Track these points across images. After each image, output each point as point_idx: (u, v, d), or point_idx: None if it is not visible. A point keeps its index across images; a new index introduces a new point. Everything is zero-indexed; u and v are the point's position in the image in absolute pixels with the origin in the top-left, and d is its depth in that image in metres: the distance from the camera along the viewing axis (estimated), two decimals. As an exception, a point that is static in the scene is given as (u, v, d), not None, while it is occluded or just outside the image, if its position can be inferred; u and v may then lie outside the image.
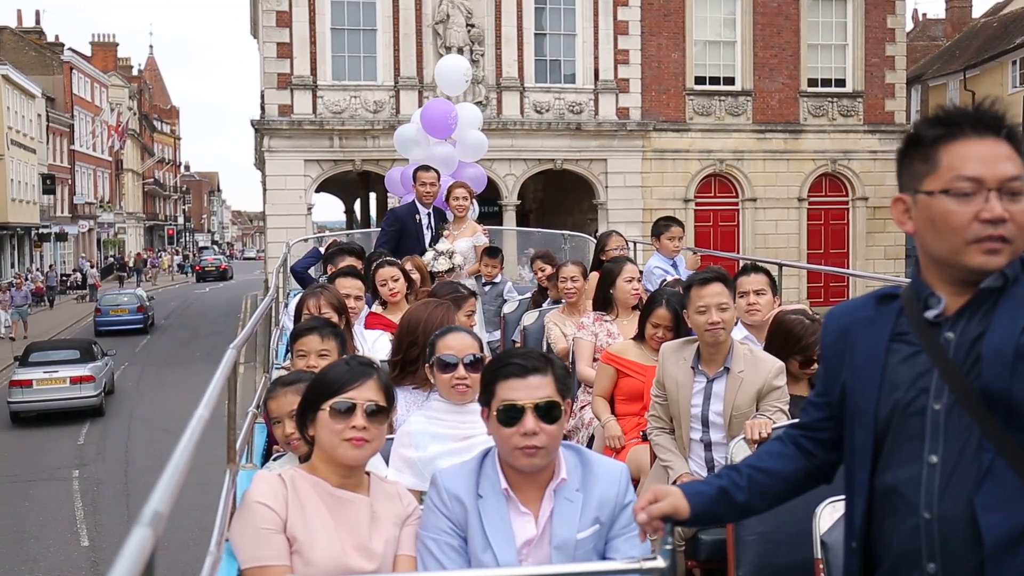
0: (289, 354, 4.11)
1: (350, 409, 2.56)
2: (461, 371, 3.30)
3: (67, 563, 13.11)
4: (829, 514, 2.80)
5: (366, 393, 2.59)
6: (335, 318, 4.45)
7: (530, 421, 2.51)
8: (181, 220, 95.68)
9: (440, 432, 3.30)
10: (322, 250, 7.39)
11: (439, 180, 8.28)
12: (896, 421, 2.02)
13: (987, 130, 1.94)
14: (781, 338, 4.44)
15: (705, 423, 4.20)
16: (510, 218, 26.70)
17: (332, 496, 2.54)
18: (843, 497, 2.39)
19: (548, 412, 2.54)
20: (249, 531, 2.43)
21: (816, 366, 4.26)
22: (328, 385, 2.58)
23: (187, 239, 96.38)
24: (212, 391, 2.23)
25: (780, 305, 5.27)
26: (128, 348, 30.41)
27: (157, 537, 1.27)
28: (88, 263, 53.71)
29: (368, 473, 2.67)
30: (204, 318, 38.45)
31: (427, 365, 3.42)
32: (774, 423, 3.77)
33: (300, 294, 7.17)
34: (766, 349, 4.48)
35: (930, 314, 2.00)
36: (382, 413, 2.61)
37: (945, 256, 1.96)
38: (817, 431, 2.27)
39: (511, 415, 2.53)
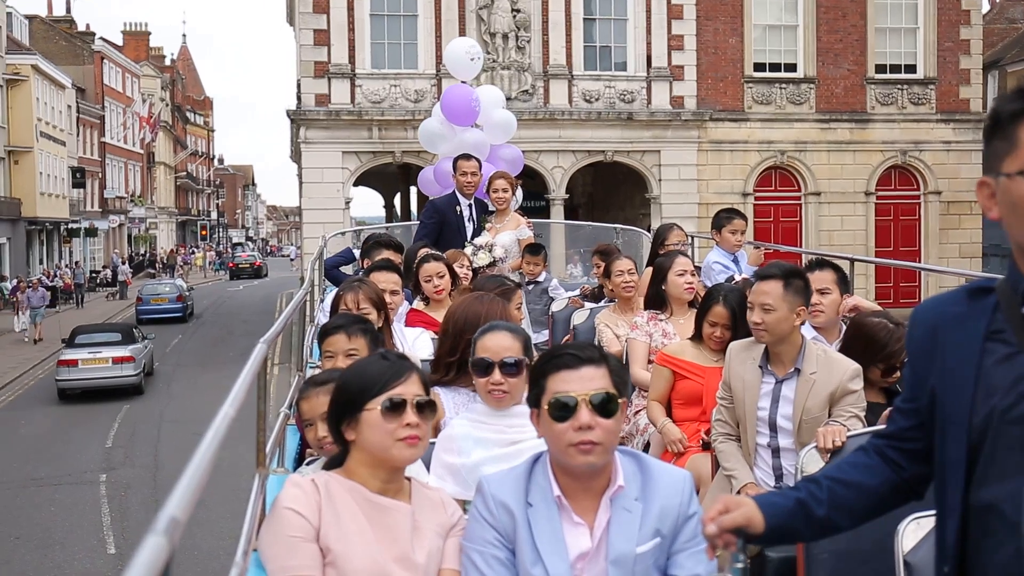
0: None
1: (400, 405, 2.49)
2: (497, 375, 3.23)
3: (93, 571, 13.24)
4: (913, 531, 2.68)
5: (412, 388, 2.53)
6: (373, 314, 4.38)
7: (584, 414, 2.43)
8: (214, 215, 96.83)
9: (484, 436, 3.22)
10: (356, 252, 7.36)
11: (480, 169, 8.21)
12: (993, 430, 1.90)
13: None
14: (861, 344, 4.36)
15: (773, 427, 4.12)
16: (558, 213, 26.63)
17: (370, 503, 2.46)
18: (930, 513, 2.28)
19: (604, 406, 2.45)
20: (279, 539, 2.37)
21: (899, 374, 4.16)
22: (371, 382, 2.50)
23: (220, 235, 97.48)
24: (240, 386, 2.16)
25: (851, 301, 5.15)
26: (165, 339, 32.11)
27: (174, 546, 1.19)
28: (120, 259, 54.50)
29: (409, 479, 2.60)
30: (237, 317, 38.86)
31: (471, 366, 3.34)
32: (848, 430, 3.66)
33: (335, 289, 7.20)
34: (843, 354, 4.37)
35: None
36: (429, 408, 2.56)
37: None
38: (905, 441, 2.16)
39: (564, 409, 2.45)
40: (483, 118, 9.83)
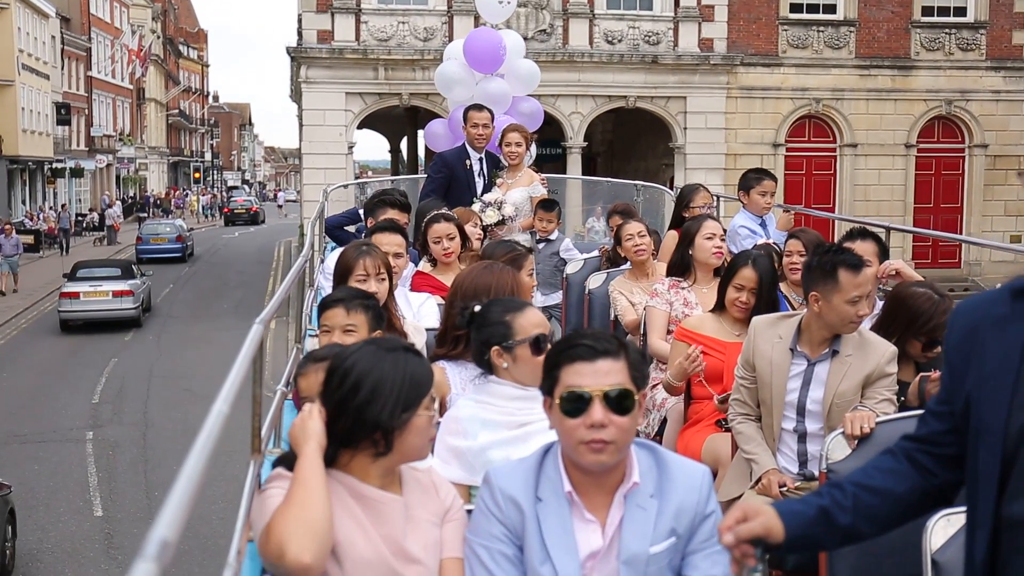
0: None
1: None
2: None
3: (79, 534, 13.41)
4: (943, 529, 2.71)
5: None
6: (386, 283, 4.41)
7: (598, 411, 2.44)
8: (208, 156, 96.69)
9: (492, 418, 3.25)
10: (362, 212, 7.34)
11: (493, 121, 8.18)
12: None
13: None
14: (905, 316, 4.34)
15: (801, 411, 4.13)
16: (575, 162, 26.53)
17: (363, 497, 2.49)
18: (960, 510, 2.30)
19: (619, 402, 2.46)
20: (269, 511, 2.40)
21: (939, 348, 4.14)
22: (425, 382, 2.54)
23: (215, 177, 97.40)
24: (234, 377, 2.18)
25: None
26: (164, 278, 34.24)
27: (164, 570, 1.21)
28: (109, 200, 54.48)
29: None
30: (232, 267, 38.96)
31: (497, 348, 3.34)
32: (878, 416, 3.68)
33: (338, 249, 7.20)
34: (882, 327, 4.39)
35: None
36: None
37: None
38: (938, 445, 2.17)
39: (576, 404, 2.46)
40: (505, 67, 9.76)
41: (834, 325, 4.03)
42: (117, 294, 26.83)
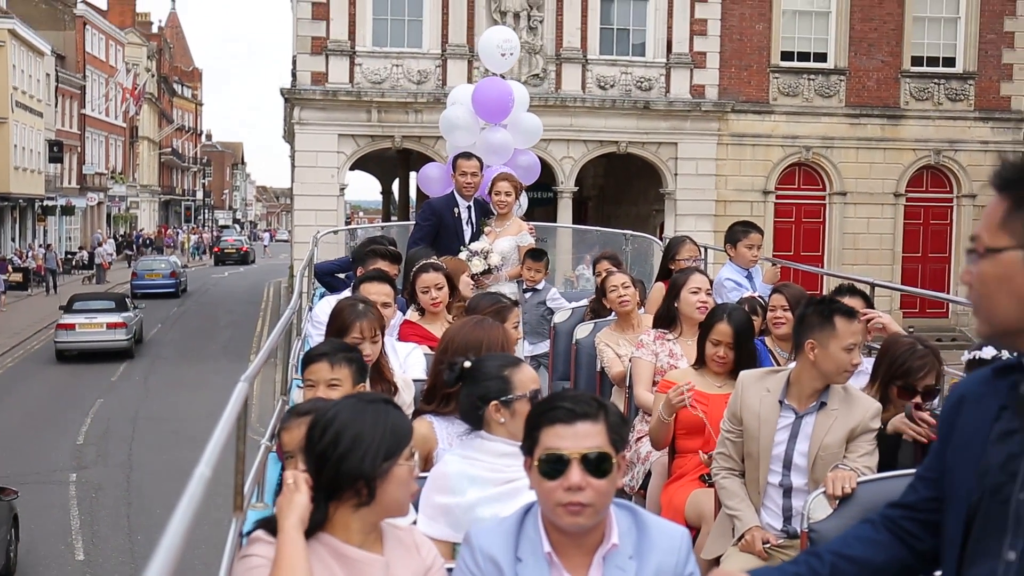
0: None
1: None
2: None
3: (60, 578, 13.32)
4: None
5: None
6: (379, 342, 4.43)
7: (576, 474, 2.47)
8: (200, 195, 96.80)
9: (480, 475, 3.26)
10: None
11: (481, 170, 8.24)
12: (983, 509, 1.98)
13: None
14: (887, 360, 4.47)
15: (788, 465, 4.17)
16: (566, 206, 26.64)
17: (343, 558, 2.50)
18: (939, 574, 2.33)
19: (597, 465, 2.49)
20: None
21: (919, 398, 4.30)
22: (405, 434, 2.56)
23: (206, 216, 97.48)
24: (217, 438, 2.20)
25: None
26: (157, 314, 35.24)
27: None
28: (102, 238, 54.42)
29: None
30: (222, 306, 38.92)
31: (496, 403, 3.35)
32: (860, 476, 3.72)
33: (326, 296, 7.22)
34: (872, 375, 4.54)
35: None
36: None
37: None
38: (923, 512, 2.21)
39: (554, 466, 2.49)
40: (509, 118, 9.85)
41: (829, 374, 4.10)
42: (111, 326, 28.05)
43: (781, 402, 4.18)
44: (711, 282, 6.03)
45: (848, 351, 4.05)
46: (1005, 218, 1.89)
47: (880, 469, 4.15)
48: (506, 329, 4.35)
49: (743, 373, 4.44)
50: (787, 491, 4.20)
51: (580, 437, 2.50)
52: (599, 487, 2.48)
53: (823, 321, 4.08)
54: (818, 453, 4.10)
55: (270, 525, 2.48)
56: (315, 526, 2.48)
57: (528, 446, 2.58)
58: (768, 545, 4.09)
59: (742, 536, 4.14)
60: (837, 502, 3.59)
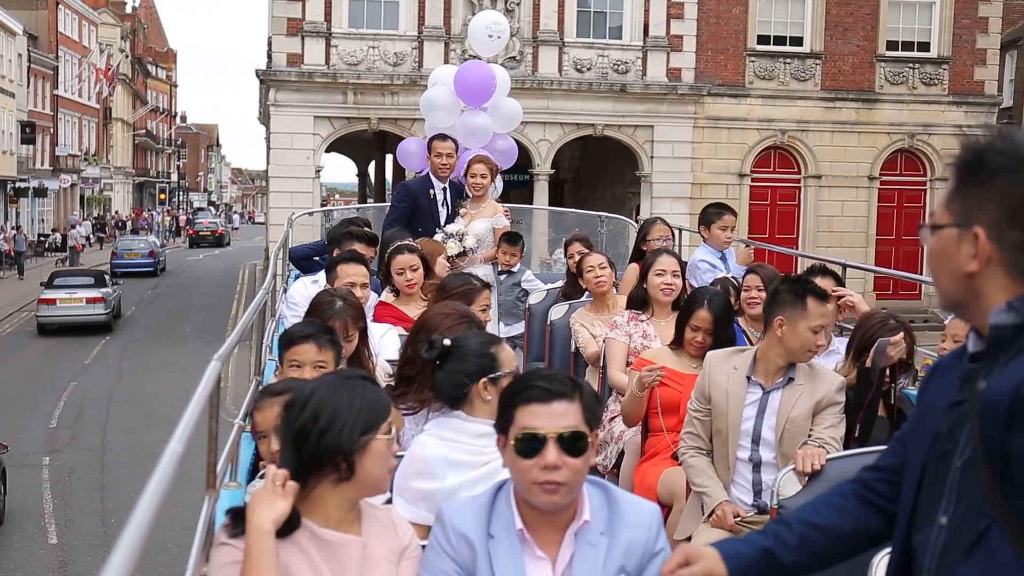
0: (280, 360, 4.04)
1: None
2: None
3: (32, 562, 13.25)
4: (887, 566, 2.78)
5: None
6: (355, 341, 4.43)
7: (551, 453, 2.48)
8: (175, 177, 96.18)
9: (459, 459, 3.22)
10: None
11: (457, 151, 8.24)
12: (929, 475, 2.05)
13: None
14: (860, 333, 4.65)
15: (756, 440, 4.23)
16: (542, 189, 26.64)
17: (320, 541, 2.50)
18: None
19: (572, 444, 2.51)
20: None
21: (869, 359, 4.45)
22: (383, 409, 2.56)
23: (180, 198, 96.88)
24: (189, 416, 2.20)
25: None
26: (134, 293, 36.01)
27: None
28: (78, 220, 53.98)
29: None
30: (196, 289, 38.77)
31: (485, 380, 3.31)
32: (828, 452, 3.78)
33: (301, 278, 7.21)
34: (847, 350, 4.73)
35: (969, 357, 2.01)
36: None
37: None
38: (897, 474, 2.26)
39: (530, 445, 2.50)
40: (492, 101, 9.85)
41: (793, 351, 4.16)
42: (91, 300, 29.32)
43: (748, 378, 4.24)
44: (681, 263, 6.05)
45: (815, 332, 4.12)
46: (948, 197, 1.96)
47: (855, 445, 4.22)
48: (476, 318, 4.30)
49: (711, 352, 4.52)
50: (756, 466, 4.26)
51: (556, 416, 2.52)
52: (574, 465, 2.50)
53: (795, 300, 4.15)
54: (785, 427, 4.17)
55: (239, 516, 2.45)
56: (291, 526, 2.45)
57: (503, 425, 2.59)
58: (739, 519, 4.14)
59: (712, 512, 4.18)
60: (807, 478, 3.64)
